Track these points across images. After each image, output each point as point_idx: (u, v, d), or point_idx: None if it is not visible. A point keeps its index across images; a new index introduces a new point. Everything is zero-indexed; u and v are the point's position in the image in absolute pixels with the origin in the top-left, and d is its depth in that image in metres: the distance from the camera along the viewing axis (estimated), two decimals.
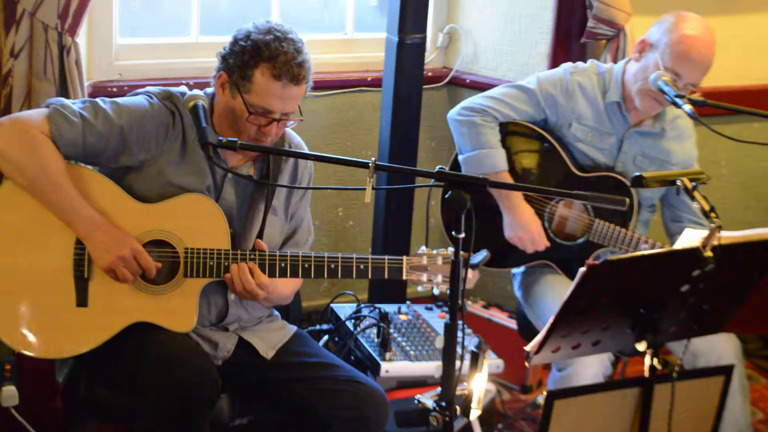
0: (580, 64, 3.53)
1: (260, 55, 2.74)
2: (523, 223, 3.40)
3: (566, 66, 3.52)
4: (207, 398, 2.69)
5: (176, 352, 2.71)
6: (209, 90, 2.92)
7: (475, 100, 3.50)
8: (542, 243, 3.42)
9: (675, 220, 3.53)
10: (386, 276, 2.86)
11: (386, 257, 2.87)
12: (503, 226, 3.44)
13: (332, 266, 2.83)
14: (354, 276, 2.85)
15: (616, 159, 3.46)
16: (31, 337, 2.76)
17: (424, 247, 2.92)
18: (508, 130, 3.47)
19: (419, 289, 2.92)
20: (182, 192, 2.82)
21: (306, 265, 2.83)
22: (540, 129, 3.49)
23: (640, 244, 3.34)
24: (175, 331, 2.79)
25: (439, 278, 2.88)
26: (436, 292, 2.91)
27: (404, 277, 2.87)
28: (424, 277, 2.88)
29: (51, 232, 2.74)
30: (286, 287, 2.99)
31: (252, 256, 2.81)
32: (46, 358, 2.85)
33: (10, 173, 2.72)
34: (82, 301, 2.77)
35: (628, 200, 2.59)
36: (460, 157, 3.47)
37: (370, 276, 2.85)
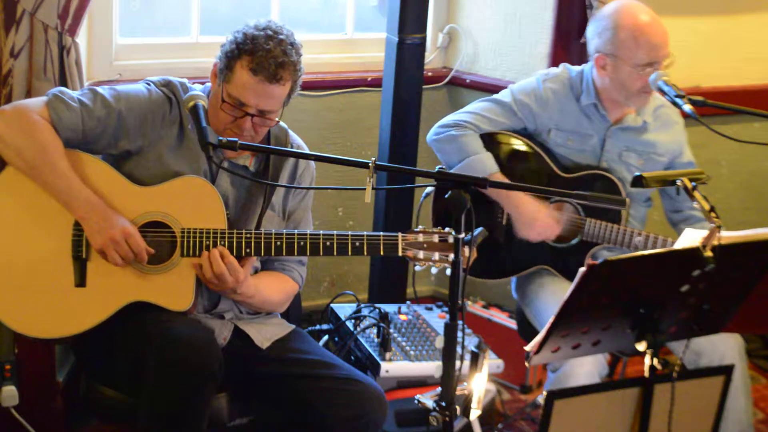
0: (552, 70, 3.55)
1: (244, 48, 2.78)
2: (532, 215, 3.39)
3: (538, 74, 3.54)
4: (211, 373, 2.69)
5: (179, 328, 2.72)
6: (209, 84, 2.95)
7: (450, 117, 3.51)
8: (557, 227, 3.40)
9: (676, 210, 3.54)
10: (382, 252, 2.86)
11: (381, 233, 2.87)
12: (516, 229, 3.43)
13: (327, 243, 2.84)
14: (350, 253, 2.84)
15: (600, 159, 3.46)
16: (30, 318, 2.80)
17: (421, 226, 2.91)
18: (488, 140, 3.47)
19: (417, 268, 2.90)
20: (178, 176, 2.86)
21: (302, 243, 2.84)
22: (520, 136, 3.49)
23: (633, 238, 3.34)
24: (173, 311, 2.81)
25: (436, 256, 2.87)
26: (434, 271, 2.90)
27: (400, 253, 2.86)
28: (421, 255, 2.87)
29: (50, 214, 2.78)
30: (270, 291, 2.98)
31: (248, 236, 2.82)
32: (45, 338, 2.85)
33: (10, 157, 2.77)
34: (80, 281, 2.80)
35: (628, 200, 2.59)
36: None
37: (365, 253, 2.85)
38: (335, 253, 2.84)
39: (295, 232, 2.85)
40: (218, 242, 2.81)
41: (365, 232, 2.86)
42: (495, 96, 3.53)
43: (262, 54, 2.76)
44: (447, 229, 2.87)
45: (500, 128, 3.49)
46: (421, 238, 2.87)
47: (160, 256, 2.82)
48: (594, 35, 3.38)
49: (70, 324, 2.80)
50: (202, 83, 2.99)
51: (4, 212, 2.80)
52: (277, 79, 2.78)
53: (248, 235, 2.83)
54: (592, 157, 3.47)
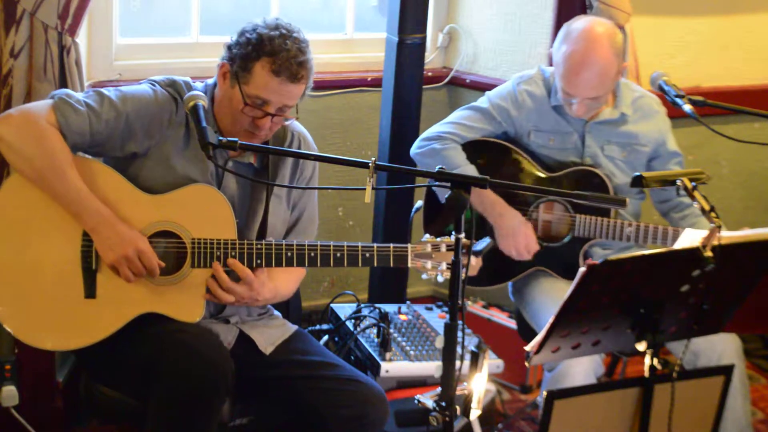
0: (526, 73, 3.56)
1: (262, 49, 2.76)
2: (514, 229, 3.40)
3: (514, 78, 3.55)
4: (224, 385, 2.68)
5: (191, 338, 2.71)
6: (210, 81, 2.94)
7: (432, 129, 3.53)
8: (534, 247, 3.41)
9: (663, 200, 3.55)
10: (391, 264, 2.87)
11: (391, 245, 2.87)
12: (496, 238, 3.44)
13: (338, 255, 2.84)
14: (360, 264, 2.85)
15: (582, 155, 3.47)
16: (40, 330, 2.77)
17: (427, 235, 2.92)
18: (472, 149, 3.48)
19: (423, 276, 2.92)
20: (186, 180, 2.83)
21: (312, 254, 2.84)
22: (502, 141, 3.50)
23: (624, 229, 3.35)
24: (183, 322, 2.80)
25: (444, 266, 2.89)
26: (440, 279, 2.91)
27: (409, 265, 2.88)
28: (429, 265, 2.89)
29: (58, 224, 2.75)
30: (286, 286, 2.99)
31: (258, 246, 2.81)
32: (56, 350, 2.83)
33: (18, 164, 2.73)
34: (90, 292, 2.77)
35: (627, 199, 2.60)
36: (435, 187, 3.47)
37: (375, 264, 2.86)
38: (345, 264, 2.84)
39: (306, 243, 2.84)
40: (229, 253, 2.79)
41: (375, 244, 2.86)
42: (473, 103, 3.56)
43: (284, 55, 2.75)
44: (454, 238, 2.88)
45: (482, 135, 3.50)
46: (429, 248, 2.89)
47: (169, 267, 2.79)
48: (558, 34, 3.40)
49: (81, 336, 2.77)
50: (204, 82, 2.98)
51: (11, 220, 2.76)
52: (298, 78, 2.78)
53: (259, 246, 2.81)
54: (575, 154, 3.47)
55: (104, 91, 2.82)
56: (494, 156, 3.50)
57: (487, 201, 3.42)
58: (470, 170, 3.42)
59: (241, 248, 2.80)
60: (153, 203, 2.80)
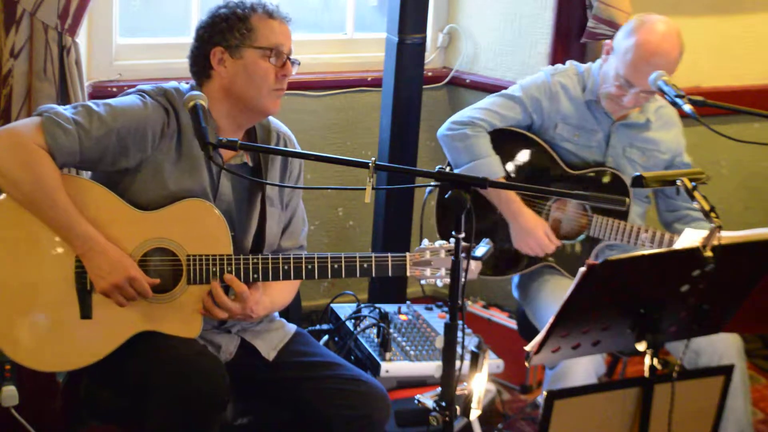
0: (559, 66, 3.58)
1: (249, 8, 2.79)
2: (529, 229, 3.41)
3: (546, 69, 3.57)
4: (218, 402, 2.67)
5: (187, 355, 2.69)
6: (185, 86, 2.86)
7: (463, 113, 3.52)
8: (551, 246, 3.42)
9: (671, 209, 3.56)
10: (390, 273, 2.86)
11: (389, 254, 2.86)
12: (511, 235, 3.45)
13: (336, 266, 2.82)
14: (358, 275, 2.84)
15: (605, 154, 3.48)
16: (36, 352, 2.73)
17: (426, 241, 2.91)
18: (496, 137, 3.48)
19: (422, 282, 2.92)
20: (181, 192, 2.78)
21: (309, 267, 2.81)
22: (529, 133, 3.51)
23: (640, 234, 3.35)
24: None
25: (443, 271, 2.88)
26: (440, 284, 2.91)
27: (408, 274, 2.87)
28: (428, 272, 2.88)
29: (51, 244, 2.70)
30: (282, 296, 2.97)
31: (255, 260, 2.79)
32: (52, 371, 2.81)
33: (6, 188, 2.67)
34: (86, 312, 2.73)
35: (628, 200, 2.60)
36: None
37: (374, 274, 2.84)
38: (343, 275, 2.82)
39: (303, 255, 2.83)
40: (225, 269, 2.76)
41: (373, 253, 2.85)
42: (505, 91, 3.55)
43: (265, 5, 2.80)
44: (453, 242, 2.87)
45: (511, 123, 3.51)
46: (428, 255, 2.88)
47: (165, 284, 2.76)
48: (623, 26, 3.42)
49: (78, 357, 2.74)
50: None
51: (3, 240, 2.71)
52: (287, 17, 2.84)
53: (255, 260, 2.78)
54: (598, 152, 3.49)
55: (93, 105, 2.74)
56: (519, 146, 3.50)
57: (503, 198, 3.43)
58: (496, 162, 3.43)
59: (237, 263, 2.77)
60: (146, 220, 2.75)
